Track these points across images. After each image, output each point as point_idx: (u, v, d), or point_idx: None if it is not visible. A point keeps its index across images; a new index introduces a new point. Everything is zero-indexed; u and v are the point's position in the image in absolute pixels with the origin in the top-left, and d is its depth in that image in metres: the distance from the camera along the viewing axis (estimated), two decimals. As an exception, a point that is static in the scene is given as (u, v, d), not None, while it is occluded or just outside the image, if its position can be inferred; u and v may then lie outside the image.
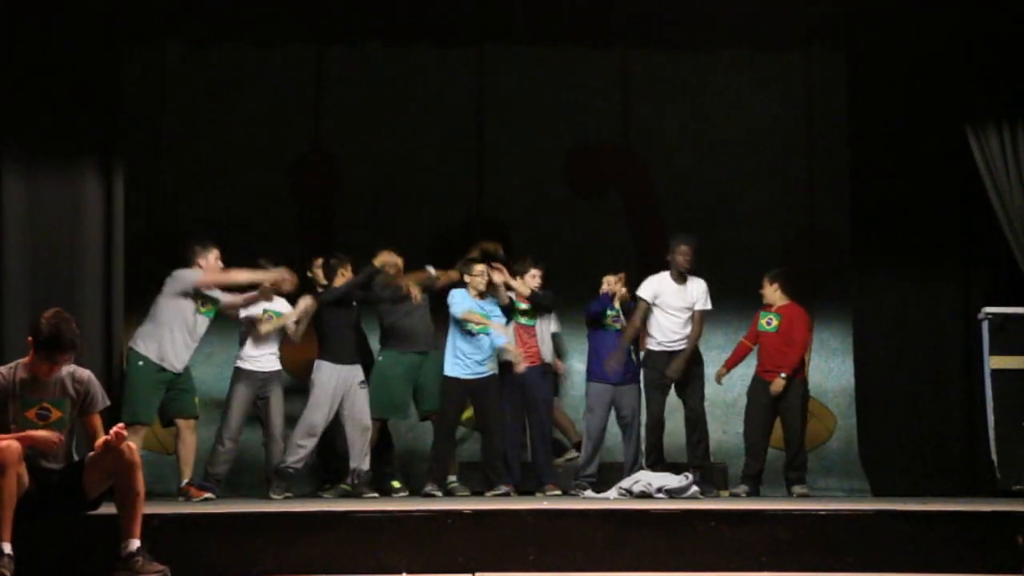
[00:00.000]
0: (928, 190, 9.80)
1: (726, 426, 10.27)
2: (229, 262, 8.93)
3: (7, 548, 5.78)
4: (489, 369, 9.25)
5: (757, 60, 10.51)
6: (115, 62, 8.92)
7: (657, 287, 9.32)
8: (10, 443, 5.91)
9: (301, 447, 8.86)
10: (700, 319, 9.34)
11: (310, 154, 10.84)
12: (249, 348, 8.96)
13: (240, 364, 8.95)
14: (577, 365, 10.29)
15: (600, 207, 10.90)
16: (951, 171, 9.66)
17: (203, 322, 8.71)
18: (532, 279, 9.46)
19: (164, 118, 10.57)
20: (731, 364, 9.71)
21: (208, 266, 8.71)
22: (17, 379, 6.20)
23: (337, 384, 8.94)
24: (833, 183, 10.62)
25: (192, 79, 10.60)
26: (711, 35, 9.40)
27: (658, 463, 9.12)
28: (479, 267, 9.31)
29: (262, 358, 8.95)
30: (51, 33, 8.59)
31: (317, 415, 8.89)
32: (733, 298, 10.03)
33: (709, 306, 9.37)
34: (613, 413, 9.39)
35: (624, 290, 9.34)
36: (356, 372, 9.01)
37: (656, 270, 9.50)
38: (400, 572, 6.29)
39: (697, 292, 9.33)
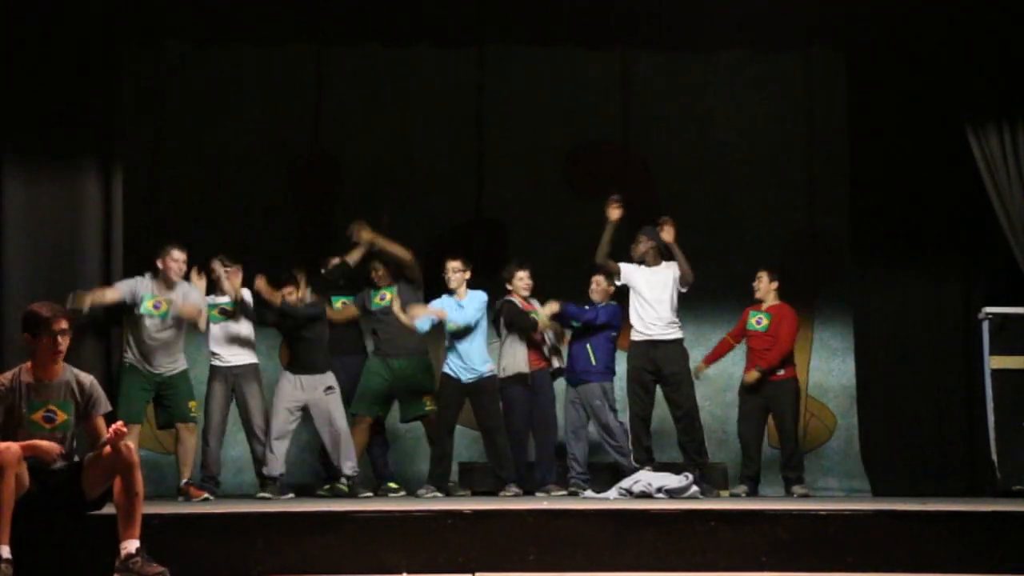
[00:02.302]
0: (928, 190, 9.80)
1: (726, 426, 10.27)
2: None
3: (6, 552, 5.77)
4: (488, 370, 9.25)
5: (757, 60, 10.51)
6: (115, 62, 8.92)
7: (629, 271, 9.33)
8: (9, 444, 5.93)
9: (272, 453, 8.91)
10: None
11: (310, 154, 10.85)
12: (217, 345, 9.00)
13: (212, 362, 9.03)
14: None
15: (600, 207, 10.88)
16: (951, 171, 9.66)
17: (151, 323, 8.67)
18: (520, 281, 9.46)
19: (164, 118, 10.57)
20: (711, 359, 9.70)
21: (164, 266, 8.69)
22: (23, 383, 6.22)
23: (295, 394, 9.00)
24: (833, 183, 10.62)
25: (192, 79, 10.60)
26: (710, 35, 9.39)
27: (647, 462, 9.11)
28: (454, 263, 9.33)
29: (232, 354, 8.99)
30: (51, 33, 8.59)
31: (277, 420, 8.98)
32: (732, 298, 10.03)
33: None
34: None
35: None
36: (321, 380, 9.03)
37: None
38: (400, 572, 6.29)
39: (669, 272, 9.30)
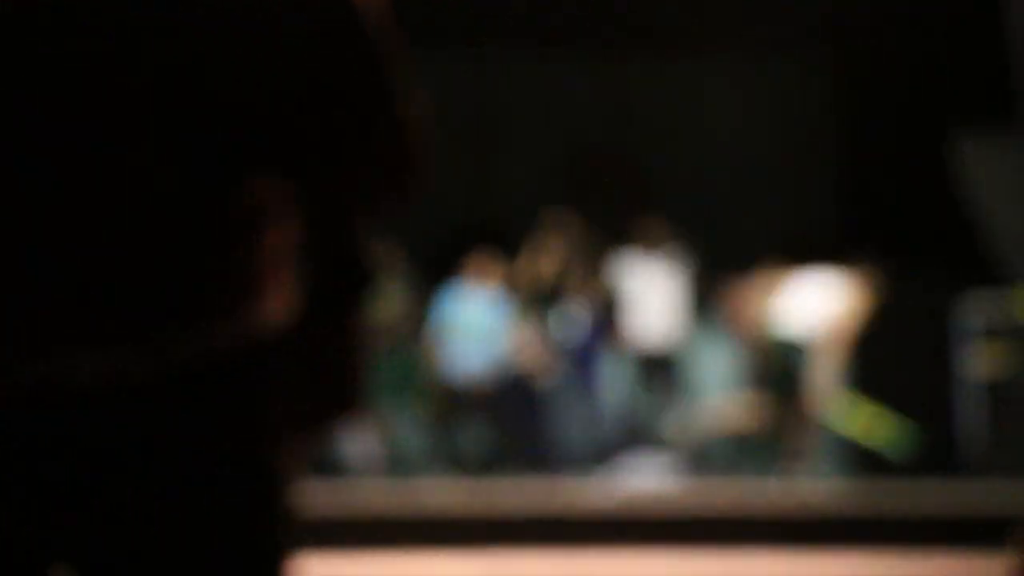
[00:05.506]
0: (924, 190, 9.82)
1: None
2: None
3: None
4: (492, 365, 9.24)
5: (756, 60, 10.52)
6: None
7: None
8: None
9: None
10: None
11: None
12: None
13: None
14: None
15: (600, 207, 10.89)
16: (947, 172, 9.68)
17: None
18: None
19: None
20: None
21: None
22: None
23: None
24: (828, 184, 10.63)
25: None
26: (707, 38, 9.41)
27: (645, 457, 9.16)
28: None
29: None
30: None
31: None
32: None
33: None
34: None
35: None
36: None
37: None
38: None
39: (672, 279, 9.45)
